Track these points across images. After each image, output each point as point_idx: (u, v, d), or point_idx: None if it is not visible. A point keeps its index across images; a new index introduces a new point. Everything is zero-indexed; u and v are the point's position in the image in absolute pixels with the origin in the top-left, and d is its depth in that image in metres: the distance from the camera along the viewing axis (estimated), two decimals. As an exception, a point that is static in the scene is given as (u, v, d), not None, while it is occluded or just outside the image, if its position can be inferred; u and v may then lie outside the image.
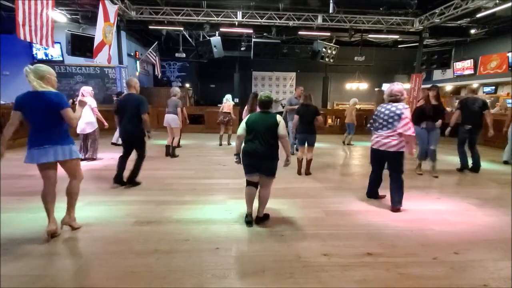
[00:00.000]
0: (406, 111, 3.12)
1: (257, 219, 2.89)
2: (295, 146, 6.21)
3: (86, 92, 5.30)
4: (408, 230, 2.77)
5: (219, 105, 12.34)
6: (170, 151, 6.04)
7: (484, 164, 5.40)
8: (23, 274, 2.00)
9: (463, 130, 5.09)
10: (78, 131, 5.26)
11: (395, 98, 3.24)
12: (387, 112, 3.23)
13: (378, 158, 3.42)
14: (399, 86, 3.28)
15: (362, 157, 6.60)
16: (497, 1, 6.92)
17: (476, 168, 5.17)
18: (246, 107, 5.99)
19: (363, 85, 14.99)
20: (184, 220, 2.94)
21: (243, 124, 2.84)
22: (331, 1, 8.13)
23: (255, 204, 2.92)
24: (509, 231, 2.77)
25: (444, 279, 2.03)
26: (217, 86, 15.99)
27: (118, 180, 3.99)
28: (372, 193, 3.66)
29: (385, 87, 14.84)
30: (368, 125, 3.56)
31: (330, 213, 3.17)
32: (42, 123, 2.48)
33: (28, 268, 2.07)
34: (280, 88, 16.34)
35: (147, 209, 3.18)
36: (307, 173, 4.83)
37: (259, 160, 2.75)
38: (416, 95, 8.72)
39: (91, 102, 5.27)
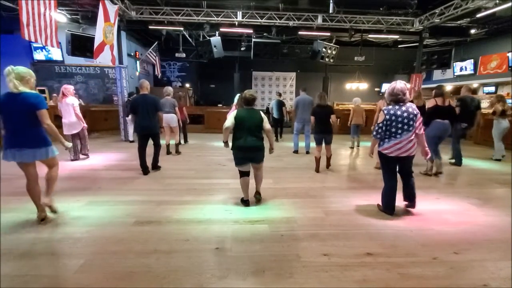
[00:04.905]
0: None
1: (257, 194, 3.41)
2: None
3: (67, 91, 5.15)
4: (408, 230, 2.77)
5: (219, 105, 12.27)
6: (175, 149, 6.31)
7: (484, 164, 5.45)
8: (23, 274, 2.00)
9: (459, 127, 5.40)
10: (65, 132, 5.16)
11: (396, 98, 2.90)
12: (405, 114, 2.86)
13: (394, 164, 3.05)
14: (402, 84, 2.91)
15: (362, 157, 6.59)
16: (497, 1, 6.92)
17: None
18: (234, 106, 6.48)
19: (363, 85, 15.00)
20: (184, 220, 2.94)
21: (231, 119, 3.11)
22: (331, 1, 8.13)
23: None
24: (509, 231, 2.77)
25: (444, 279, 2.03)
26: (217, 86, 16.00)
27: (144, 167, 4.58)
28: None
29: (385, 87, 14.71)
30: (375, 133, 3.02)
31: (330, 213, 3.17)
32: (20, 124, 2.53)
33: (28, 268, 2.07)
34: (280, 88, 16.33)
35: (147, 209, 3.18)
36: (328, 166, 5.13)
37: (252, 152, 3.14)
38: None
39: (74, 101, 5.17)
